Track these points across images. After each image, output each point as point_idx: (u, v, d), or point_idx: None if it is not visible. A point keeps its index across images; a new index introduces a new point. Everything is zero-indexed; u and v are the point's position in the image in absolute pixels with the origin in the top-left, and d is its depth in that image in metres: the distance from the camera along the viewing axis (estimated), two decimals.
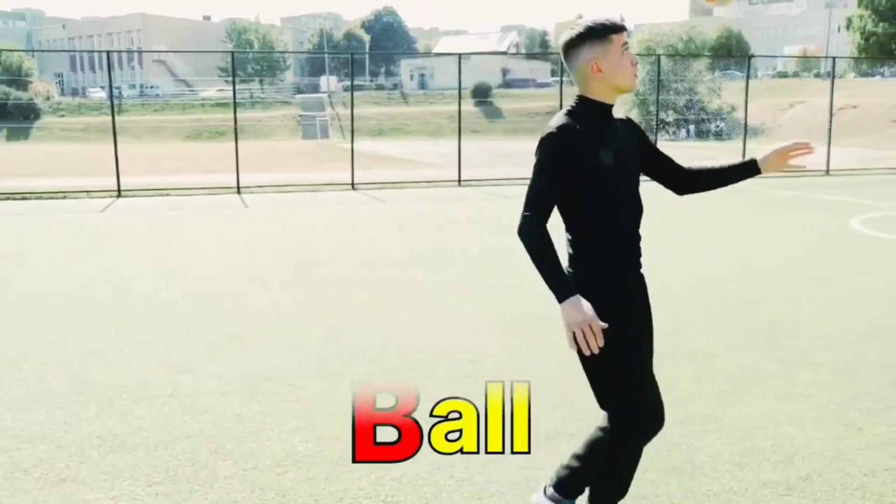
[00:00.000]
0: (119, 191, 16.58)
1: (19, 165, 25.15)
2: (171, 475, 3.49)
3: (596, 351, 2.36)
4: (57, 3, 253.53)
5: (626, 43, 2.48)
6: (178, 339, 5.66)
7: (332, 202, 15.23)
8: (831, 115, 21.70)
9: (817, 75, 60.84)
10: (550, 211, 2.46)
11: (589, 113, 2.49)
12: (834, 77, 23.00)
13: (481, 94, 58.34)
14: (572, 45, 2.52)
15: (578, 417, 4.09)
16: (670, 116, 48.86)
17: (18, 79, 54.83)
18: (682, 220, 12.19)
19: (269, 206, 14.62)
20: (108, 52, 16.58)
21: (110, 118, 17.00)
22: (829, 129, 21.56)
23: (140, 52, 73.66)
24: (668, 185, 2.81)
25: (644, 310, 2.64)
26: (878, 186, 17.31)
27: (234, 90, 17.77)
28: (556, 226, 2.47)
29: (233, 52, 17.43)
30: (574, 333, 2.37)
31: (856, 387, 4.52)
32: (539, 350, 5.30)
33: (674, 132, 48.79)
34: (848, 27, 63.61)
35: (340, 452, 3.70)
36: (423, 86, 68.71)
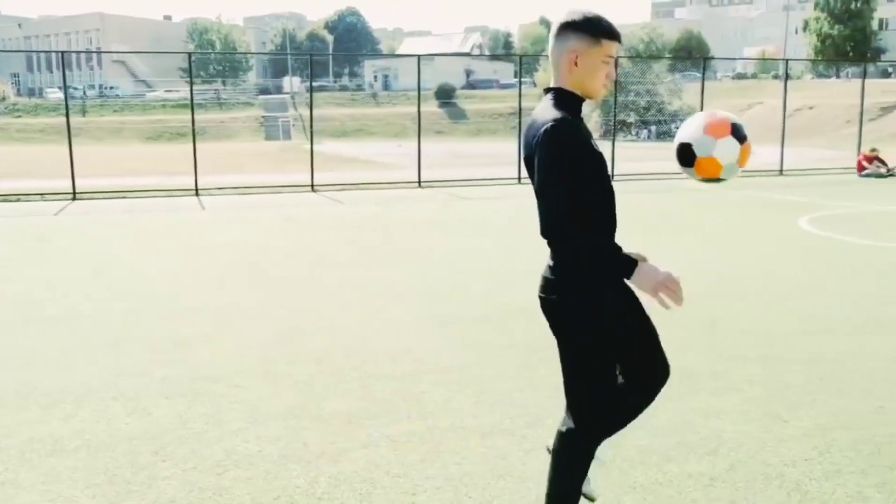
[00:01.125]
0: (74, 193, 16.39)
1: None
2: (110, 477, 3.52)
3: (682, 301, 2.35)
4: (13, 2, 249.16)
5: (612, 56, 2.44)
6: (123, 341, 5.66)
7: (290, 204, 15.21)
8: (784, 116, 22.14)
9: (775, 77, 61.93)
10: (588, 210, 2.40)
11: (571, 105, 2.45)
12: (787, 79, 23.56)
13: (444, 95, 58.51)
14: (565, 28, 2.46)
15: (516, 414, 4.19)
16: (631, 118, 49.44)
17: None
18: (627, 219, 12.39)
19: (227, 208, 14.56)
20: (62, 53, 16.37)
21: (65, 120, 16.79)
22: (783, 130, 21.99)
23: (99, 52, 72.61)
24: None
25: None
26: (829, 186, 17.72)
27: (191, 91, 17.66)
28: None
29: (189, 54, 17.25)
30: (660, 295, 2.35)
31: (784, 381, 4.68)
32: (483, 350, 5.40)
33: (635, 133, 49.36)
34: (805, 29, 64.92)
35: (280, 451, 3.76)
36: (386, 87, 68.72)
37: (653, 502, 3.25)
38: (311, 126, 18.71)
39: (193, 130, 17.37)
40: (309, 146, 18.76)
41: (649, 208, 14.00)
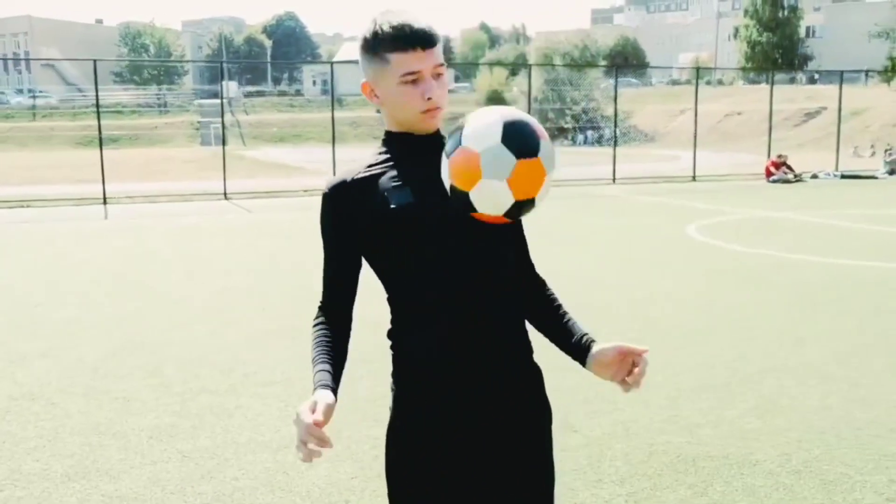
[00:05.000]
0: None
1: None
2: None
3: (310, 461, 1.56)
4: None
5: (412, 71, 1.65)
6: None
7: (197, 213, 15.09)
8: (696, 122, 22.76)
9: (708, 83, 63.38)
10: (342, 291, 1.81)
11: (389, 151, 1.77)
12: (697, 86, 24.22)
13: None
14: (359, 51, 1.75)
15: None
16: (568, 123, 50.16)
17: None
18: (529, 224, 12.61)
19: (131, 218, 14.39)
20: None
21: None
22: (695, 136, 22.57)
23: (27, 59, 70.88)
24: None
25: (490, 447, 1.74)
26: (735, 192, 18.25)
27: (97, 97, 17.45)
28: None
29: (95, 61, 17.00)
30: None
31: (594, 390, 4.84)
32: None
33: (572, 138, 50.08)
34: (735, 36, 66.56)
35: (66, 470, 3.78)
36: (325, 92, 68.39)
37: None
38: (223, 133, 18.63)
39: (100, 138, 17.15)
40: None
41: (543, 214, 14.24)
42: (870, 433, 4.13)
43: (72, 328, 6.42)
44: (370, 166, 1.76)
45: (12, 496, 3.52)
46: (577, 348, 1.87)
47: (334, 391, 1.65)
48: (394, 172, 1.73)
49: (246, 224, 13.31)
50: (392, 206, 1.68)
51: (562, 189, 19.30)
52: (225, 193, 17.69)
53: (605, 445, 4.02)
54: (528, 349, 1.88)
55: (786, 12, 62.37)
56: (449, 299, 1.70)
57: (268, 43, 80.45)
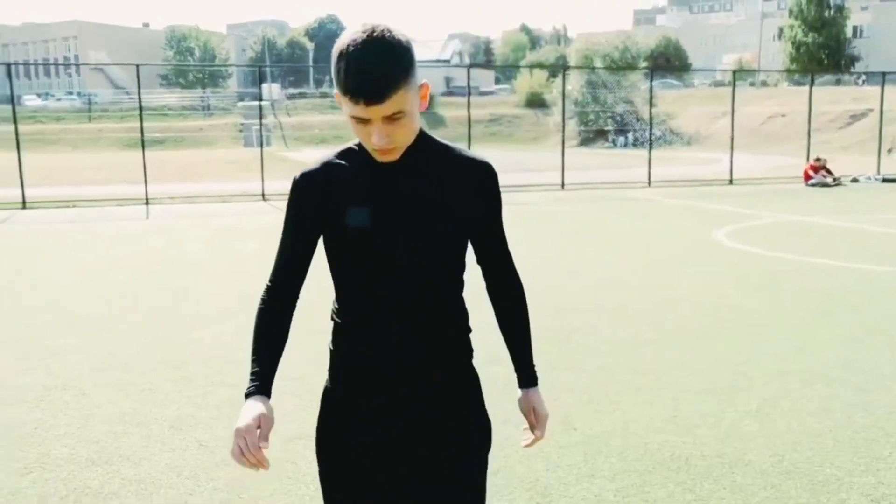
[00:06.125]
0: (24, 202, 16.63)
1: None
2: None
3: (248, 468, 1.67)
4: None
5: (358, 117, 1.62)
6: (1, 348, 5.93)
7: (235, 213, 15.47)
8: (733, 125, 22.55)
9: (752, 84, 62.59)
10: (293, 273, 1.87)
11: (355, 157, 1.79)
12: (734, 88, 23.93)
13: None
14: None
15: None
16: (608, 125, 49.95)
17: None
18: (544, 227, 12.73)
19: (169, 218, 14.82)
20: (8, 65, 16.62)
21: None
22: (732, 139, 22.40)
23: (75, 64, 72.73)
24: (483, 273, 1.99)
25: (410, 454, 1.81)
26: (771, 196, 18.11)
27: (139, 100, 17.90)
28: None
29: (137, 66, 17.49)
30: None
31: (600, 390, 4.98)
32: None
33: (612, 140, 49.86)
34: (780, 37, 65.61)
35: (89, 455, 4.03)
36: None
37: None
38: (261, 136, 19.04)
39: (142, 140, 17.66)
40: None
41: (574, 216, 14.35)
42: (866, 437, 4.20)
43: (105, 324, 6.73)
44: (342, 163, 1.78)
45: (41, 478, 3.78)
46: (518, 376, 2.04)
47: (269, 393, 1.75)
48: (358, 183, 1.75)
49: (281, 225, 13.59)
50: (347, 223, 1.74)
51: (595, 191, 19.35)
52: (263, 194, 18.08)
53: (602, 443, 4.15)
54: (462, 358, 1.90)
55: (832, 12, 61.30)
56: (381, 308, 1.77)
57: (310, 45, 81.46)
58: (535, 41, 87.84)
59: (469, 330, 1.93)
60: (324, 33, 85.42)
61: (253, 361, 1.79)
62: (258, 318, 1.85)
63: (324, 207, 1.78)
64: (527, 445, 2.03)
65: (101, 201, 17.42)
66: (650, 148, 22.11)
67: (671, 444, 4.13)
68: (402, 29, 1.65)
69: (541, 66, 62.60)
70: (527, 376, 2.02)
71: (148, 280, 8.72)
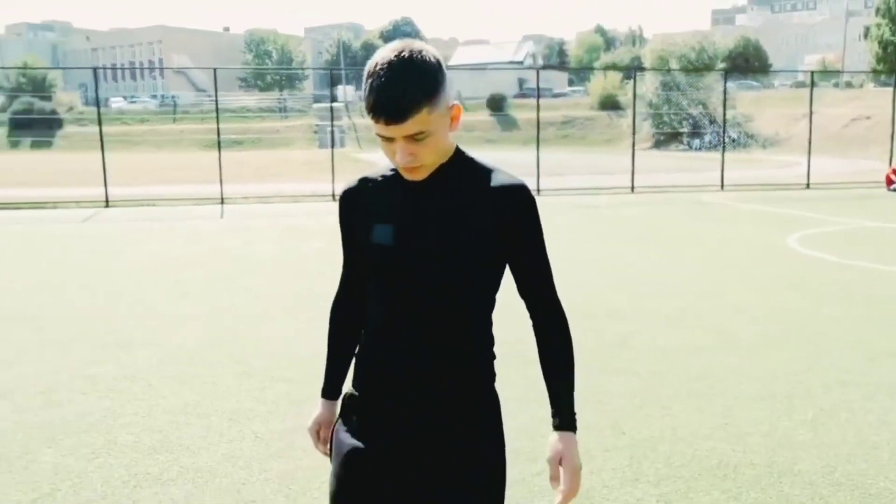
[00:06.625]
0: (107, 201, 17.35)
1: (27, 174, 26.12)
2: None
3: (325, 456, 1.97)
4: (84, 15, 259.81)
5: (382, 136, 1.66)
6: (75, 341, 6.24)
7: (305, 213, 15.82)
8: (811, 127, 21.94)
9: (836, 85, 60.48)
10: (354, 287, 1.98)
11: (390, 175, 1.83)
12: (812, 90, 23.36)
13: (496, 104, 59.00)
14: None
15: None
16: (683, 127, 49.07)
17: (43, 91, 56.41)
18: (614, 228, 12.62)
19: (243, 218, 15.25)
20: (94, 69, 17.39)
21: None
22: (809, 141, 21.79)
23: (158, 67, 75.25)
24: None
25: (409, 466, 1.79)
26: (847, 201, 17.54)
27: (216, 102, 18.46)
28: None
29: (215, 69, 18.06)
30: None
31: (651, 395, 4.96)
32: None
33: (687, 143, 48.97)
34: (866, 36, 63.21)
35: (152, 444, 4.23)
36: None
37: None
38: (332, 137, 19.31)
39: (219, 141, 18.18)
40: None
41: (642, 219, 14.19)
42: None
43: (174, 319, 7.01)
44: (377, 180, 1.83)
45: (106, 463, 4.00)
46: (553, 418, 1.82)
47: (335, 395, 2.02)
48: (387, 201, 1.80)
49: None
50: (373, 239, 1.78)
51: (666, 195, 19.08)
52: (333, 195, 18.41)
53: (649, 447, 4.15)
54: (479, 382, 1.86)
55: None
56: (398, 325, 1.78)
57: None
58: (609, 42, 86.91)
59: (492, 356, 1.89)
60: (398, 36, 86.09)
61: (326, 364, 2.04)
62: (329, 325, 2.04)
63: (357, 223, 1.84)
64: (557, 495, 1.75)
65: (179, 201, 18.04)
66: (723, 150, 21.65)
67: (720, 451, 4.10)
68: (435, 51, 1.68)
69: (614, 67, 61.89)
70: (563, 419, 1.80)
71: (217, 277, 9.03)
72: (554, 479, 1.75)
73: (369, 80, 1.63)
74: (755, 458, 4.01)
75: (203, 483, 3.78)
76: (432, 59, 1.65)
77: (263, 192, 19.30)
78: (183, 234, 13.05)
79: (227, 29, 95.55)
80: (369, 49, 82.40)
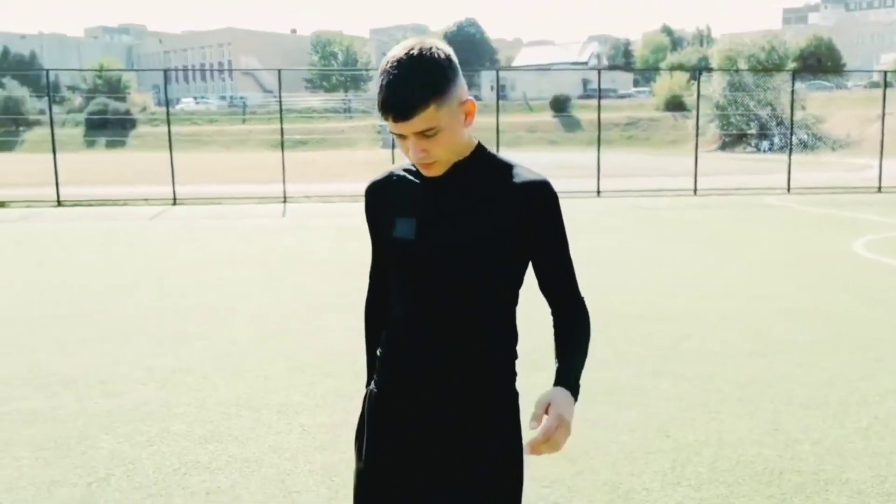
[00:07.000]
0: (174, 199, 17.86)
1: (101, 173, 27.03)
2: (58, 444, 4.22)
3: None
4: (158, 19, 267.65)
5: (393, 132, 1.70)
6: (134, 334, 6.46)
7: (362, 213, 15.89)
8: (883, 129, 21.22)
9: None
10: (381, 286, 1.99)
11: (413, 170, 1.85)
12: (885, 90, 22.45)
13: (559, 105, 58.65)
14: None
15: None
16: (752, 128, 48.01)
17: (118, 92, 58.31)
18: (673, 231, 12.43)
19: (303, 217, 15.52)
20: (164, 71, 17.88)
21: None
22: (882, 143, 21.11)
23: (226, 69, 76.94)
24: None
25: (423, 461, 1.82)
26: None
27: (280, 103, 18.86)
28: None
29: (279, 70, 18.42)
30: None
31: (699, 399, 4.90)
32: None
33: (755, 145, 47.90)
34: None
35: (203, 433, 4.36)
36: (503, 97, 69.34)
37: None
38: (393, 137, 19.44)
39: (282, 141, 18.59)
40: None
41: (702, 222, 13.95)
42: None
43: (230, 315, 7.19)
44: (402, 175, 1.86)
45: (158, 451, 4.14)
46: (555, 377, 1.79)
47: None
48: (408, 195, 1.83)
49: None
50: (394, 234, 1.81)
51: (729, 197, 18.73)
52: None
53: (693, 451, 4.10)
54: (498, 380, 1.85)
55: None
56: (417, 320, 1.80)
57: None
58: (676, 42, 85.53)
59: (514, 354, 1.88)
60: (462, 36, 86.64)
61: (367, 360, 2.02)
62: (364, 321, 2.05)
63: (380, 216, 1.88)
64: (530, 447, 1.67)
65: (243, 199, 18.46)
66: (790, 152, 21.12)
67: (766, 457, 4.04)
68: (447, 48, 1.70)
69: (680, 67, 60.90)
70: (563, 379, 1.76)
71: (272, 275, 9.23)
72: (536, 418, 1.66)
73: (381, 79, 1.66)
74: (802, 466, 3.94)
75: (249, 472, 3.89)
76: (441, 56, 1.67)
77: (324, 192, 19.58)
78: (244, 232, 13.36)
79: (293, 31, 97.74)
80: None
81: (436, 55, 1.66)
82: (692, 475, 3.84)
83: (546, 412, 1.68)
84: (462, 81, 1.71)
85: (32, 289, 8.53)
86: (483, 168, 1.80)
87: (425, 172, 1.78)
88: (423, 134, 1.67)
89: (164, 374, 5.41)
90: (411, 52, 1.65)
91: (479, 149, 1.83)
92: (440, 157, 1.73)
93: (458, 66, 1.71)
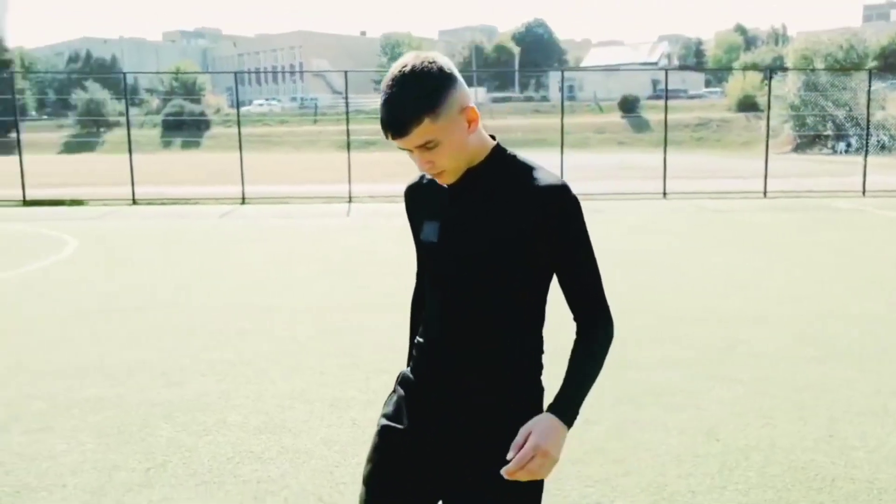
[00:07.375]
0: (243, 198, 18.31)
1: (177, 173, 27.89)
2: (120, 430, 4.42)
3: None
4: (232, 22, 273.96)
5: (399, 148, 1.74)
6: (197, 329, 6.68)
7: None
8: None
9: None
10: (423, 278, 2.07)
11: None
12: None
13: (628, 105, 57.93)
14: None
15: None
16: (829, 129, 46.58)
17: (193, 94, 59.95)
18: (740, 233, 12.18)
19: (366, 216, 15.74)
20: (235, 74, 18.34)
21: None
22: None
23: (295, 71, 78.32)
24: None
25: (439, 454, 1.87)
26: None
27: (346, 104, 19.16)
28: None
29: (346, 72, 18.75)
30: None
31: (752, 403, 4.82)
32: None
33: (832, 146, 46.46)
34: None
35: (257, 424, 4.50)
36: (571, 97, 68.84)
37: None
38: None
39: (348, 142, 18.89)
40: None
41: (770, 225, 13.63)
42: None
43: (290, 311, 7.37)
44: (433, 177, 1.85)
45: (214, 440, 4.30)
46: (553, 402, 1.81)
47: None
48: (435, 199, 1.88)
49: None
50: (422, 237, 1.90)
51: (799, 200, 18.24)
52: None
53: (743, 456, 4.05)
54: (515, 381, 1.86)
55: None
56: (441, 321, 1.87)
57: (516, 50, 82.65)
58: (750, 41, 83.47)
59: (538, 359, 1.90)
60: (531, 37, 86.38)
61: (409, 353, 2.09)
62: (410, 317, 2.16)
63: (414, 218, 1.96)
64: (505, 472, 1.70)
65: (310, 199, 18.80)
66: (866, 153, 20.44)
67: (818, 463, 3.96)
68: (443, 59, 1.72)
69: (753, 67, 59.47)
70: (559, 404, 1.77)
71: (333, 273, 9.41)
72: (515, 447, 1.70)
73: (383, 88, 1.70)
74: (857, 473, 3.85)
75: (300, 463, 4.00)
76: (434, 69, 1.69)
77: (389, 192, 19.79)
78: (308, 231, 13.63)
79: (363, 33, 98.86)
80: (501, 51, 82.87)
81: (427, 69, 1.68)
82: (740, 479, 3.80)
83: (524, 438, 1.71)
84: (462, 90, 1.72)
85: (106, 284, 8.89)
86: (500, 172, 1.82)
87: (438, 181, 1.83)
88: (425, 147, 1.71)
89: (224, 367, 5.59)
90: (404, 69, 1.69)
91: (497, 151, 1.85)
92: (447, 167, 1.76)
93: (457, 75, 1.73)
